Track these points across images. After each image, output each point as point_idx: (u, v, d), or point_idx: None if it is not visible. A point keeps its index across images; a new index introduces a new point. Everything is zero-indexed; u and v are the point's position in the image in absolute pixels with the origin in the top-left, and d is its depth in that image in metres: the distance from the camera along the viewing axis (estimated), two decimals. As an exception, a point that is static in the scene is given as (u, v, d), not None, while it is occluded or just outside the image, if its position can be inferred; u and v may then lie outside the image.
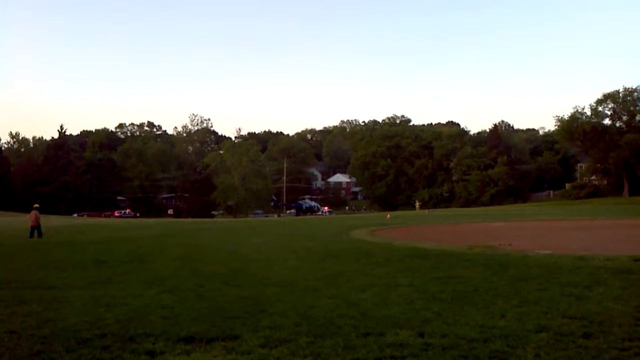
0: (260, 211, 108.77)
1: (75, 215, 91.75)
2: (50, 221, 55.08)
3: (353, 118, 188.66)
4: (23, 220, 56.32)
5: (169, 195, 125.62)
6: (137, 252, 18.53)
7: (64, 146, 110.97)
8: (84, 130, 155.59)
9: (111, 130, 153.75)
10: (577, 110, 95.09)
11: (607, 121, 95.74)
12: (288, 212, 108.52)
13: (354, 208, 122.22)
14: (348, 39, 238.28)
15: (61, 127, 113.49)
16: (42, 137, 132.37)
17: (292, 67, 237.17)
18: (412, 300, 8.95)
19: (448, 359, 5.84)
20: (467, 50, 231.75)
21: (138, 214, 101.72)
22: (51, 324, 7.75)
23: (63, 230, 35.51)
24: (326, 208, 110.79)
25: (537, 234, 25.11)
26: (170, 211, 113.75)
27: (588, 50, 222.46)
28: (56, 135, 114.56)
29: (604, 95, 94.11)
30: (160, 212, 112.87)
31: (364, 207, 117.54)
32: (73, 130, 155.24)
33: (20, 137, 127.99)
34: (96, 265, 15.03)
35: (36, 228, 28.38)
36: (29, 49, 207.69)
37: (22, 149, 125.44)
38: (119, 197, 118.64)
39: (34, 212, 29.00)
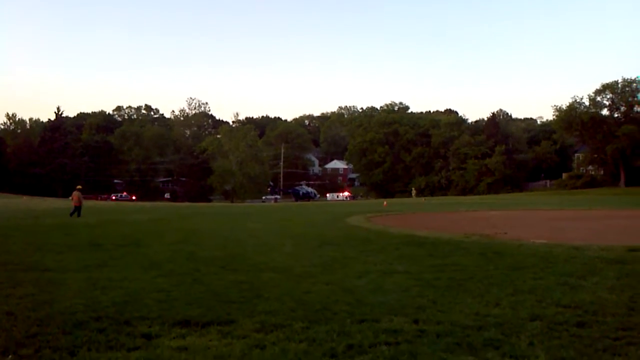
0: (278, 196, 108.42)
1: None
2: (46, 203, 55.02)
3: (351, 104, 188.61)
4: (19, 202, 56.31)
5: (166, 179, 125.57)
6: (134, 236, 18.53)
7: (61, 128, 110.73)
8: (81, 113, 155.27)
9: (108, 113, 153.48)
10: (575, 100, 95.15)
11: (605, 112, 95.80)
12: (265, 197, 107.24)
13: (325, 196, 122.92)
14: (347, 25, 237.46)
15: (58, 109, 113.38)
16: (38, 119, 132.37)
17: (290, 53, 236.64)
18: (408, 288, 8.98)
19: (442, 346, 5.87)
20: (467, 38, 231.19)
21: (134, 197, 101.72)
22: (47, 306, 7.76)
23: (59, 213, 35.45)
24: (347, 193, 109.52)
25: (533, 223, 25.18)
26: (167, 195, 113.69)
27: (587, 41, 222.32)
28: (53, 117, 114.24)
29: (603, 86, 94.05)
30: (157, 195, 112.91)
31: (361, 194, 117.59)
32: (70, 112, 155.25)
33: (17, 119, 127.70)
34: (92, 248, 15.03)
35: (78, 208, 29.92)
36: (26, 31, 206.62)
37: (19, 131, 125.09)
38: (115, 180, 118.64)
39: (75, 193, 30.74)
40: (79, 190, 31.30)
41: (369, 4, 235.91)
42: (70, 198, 33.30)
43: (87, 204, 34.65)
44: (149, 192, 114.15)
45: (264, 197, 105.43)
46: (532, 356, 5.55)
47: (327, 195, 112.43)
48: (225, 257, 12.96)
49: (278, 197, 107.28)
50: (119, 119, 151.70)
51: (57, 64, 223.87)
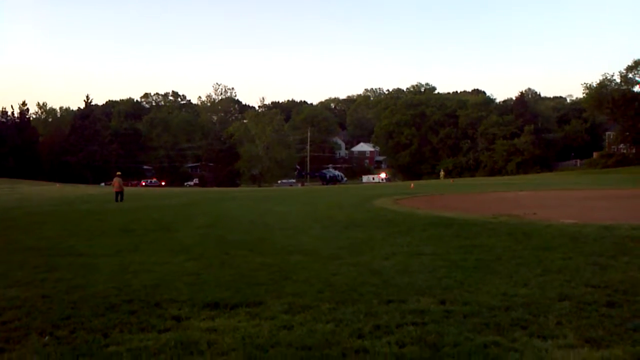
0: (293, 180, 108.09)
1: (103, 184, 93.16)
2: (79, 190, 56.02)
3: (377, 86, 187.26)
4: (52, 190, 57.41)
5: (194, 164, 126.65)
6: (164, 221, 18.81)
7: (90, 116, 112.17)
8: (109, 100, 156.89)
9: (136, 100, 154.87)
10: (606, 78, 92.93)
11: (637, 88, 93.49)
12: (281, 182, 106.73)
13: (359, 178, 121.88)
14: (372, 7, 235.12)
15: (87, 97, 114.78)
16: (69, 108, 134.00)
17: (315, 36, 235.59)
18: (435, 269, 8.99)
19: (469, 326, 5.88)
20: (494, 17, 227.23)
21: (164, 183, 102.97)
22: (80, 289, 7.97)
23: (91, 199, 36.08)
24: (383, 175, 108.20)
25: (562, 203, 24.85)
26: (195, 180, 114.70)
27: (618, 16, 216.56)
28: (82, 106, 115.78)
29: (635, 62, 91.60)
30: (185, 181, 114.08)
31: (388, 176, 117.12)
32: (99, 100, 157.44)
33: (48, 108, 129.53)
34: (123, 233, 15.31)
35: (120, 193, 31.68)
36: (55, 21, 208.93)
37: (50, 119, 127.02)
38: (144, 167, 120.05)
39: (116, 179, 32.43)
40: (119, 176, 32.78)
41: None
42: (111, 184, 34.87)
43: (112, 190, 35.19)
44: (177, 178, 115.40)
45: (278, 181, 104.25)
46: (560, 336, 5.53)
47: (363, 177, 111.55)
48: (254, 241, 13.09)
49: (293, 181, 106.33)
50: (147, 105, 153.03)
51: (85, 52, 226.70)
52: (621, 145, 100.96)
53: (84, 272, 9.43)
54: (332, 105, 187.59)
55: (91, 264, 10.30)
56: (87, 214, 23.20)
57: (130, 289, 7.93)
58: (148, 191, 57.04)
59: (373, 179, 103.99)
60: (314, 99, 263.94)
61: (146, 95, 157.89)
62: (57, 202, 32.89)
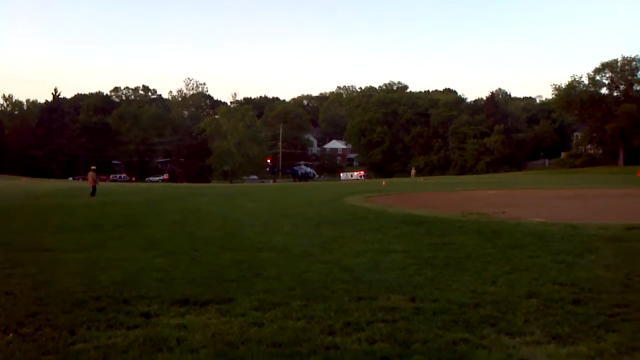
0: (254, 176, 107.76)
1: (71, 179, 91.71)
2: (45, 185, 55.04)
3: (350, 84, 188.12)
4: (17, 184, 56.30)
5: (164, 159, 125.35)
6: (133, 216, 18.60)
7: (58, 109, 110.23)
8: (78, 94, 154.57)
9: (106, 94, 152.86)
10: (574, 79, 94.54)
11: (604, 90, 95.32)
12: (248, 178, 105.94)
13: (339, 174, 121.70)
14: (345, 4, 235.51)
15: (55, 90, 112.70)
16: (36, 100, 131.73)
17: (288, 32, 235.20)
18: (405, 266, 9.04)
19: (439, 323, 5.93)
20: (465, 17, 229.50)
21: (134, 178, 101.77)
22: (47, 286, 7.82)
23: (58, 194, 35.48)
24: (362, 172, 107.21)
25: (531, 202, 25.22)
26: (164, 175, 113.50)
27: (587, 19, 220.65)
28: (50, 99, 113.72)
29: (602, 64, 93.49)
30: (152, 175, 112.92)
31: (367, 174, 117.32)
32: (67, 93, 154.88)
33: (14, 100, 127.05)
34: (91, 228, 15.09)
35: (93, 188, 31.58)
36: (23, 10, 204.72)
37: (16, 112, 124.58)
38: (114, 161, 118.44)
39: (90, 173, 32.57)
40: (93, 170, 32.82)
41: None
42: (87, 179, 34.81)
43: (84, 185, 34.69)
44: (147, 173, 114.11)
45: (244, 178, 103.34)
46: (527, 333, 5.61)
47: (341, 174, 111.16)
48: (224, 237, 13.02)
49: (254, 177, 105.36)
50: (117, 100, 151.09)
51: (54, 44, 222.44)
52: (588, 146, 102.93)
53: (51, 268, 9.26)
54: (305, 102, 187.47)
55: (58, 259, 10.12)
56: (54, 208, 22.81)
57: (98, 285, 7.81)
58: (117, 186, 56.32)
59: (352, 176, 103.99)
60: (287, 95, 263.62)
61: (116, 89, 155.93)
62: (23, 197, 32.28)
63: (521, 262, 9.19)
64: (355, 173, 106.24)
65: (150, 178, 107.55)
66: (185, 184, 72.75)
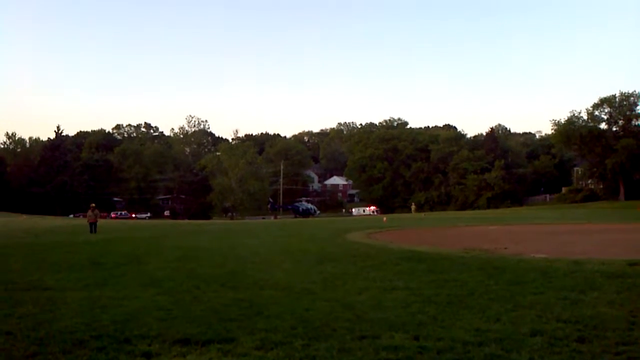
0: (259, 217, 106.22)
1: (72, 216, 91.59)
2: (46, 222, 54.97)
3: (350, 120, 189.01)
4: (17, 222, 56.24)
5: (166, 196, 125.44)
6: (134, 254, 18.52)
7: (61, 147, 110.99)
8: (80, 131, 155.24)
9: (108, 132, 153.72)
10: (573, 115, 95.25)
11: (603, 125, 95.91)
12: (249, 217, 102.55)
13: (350, 210, 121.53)
14: (345, 42, 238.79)
15: (58, 127, 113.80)
16: (38, 138, 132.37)
17: (289, 70, 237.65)
18: (408, 304, 8.97)
19: (443, 362, 5.86)
20: (464, 54, 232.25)
21: (134, 215, 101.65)
22: (47, 325, 7.76)
23: (59, 231, 35.43)
24: (373, 207, 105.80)
25: (533, 237, 25.15)
26: (166, 212, 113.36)
27: (585, 55, 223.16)
28: (53, 136, 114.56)
29: (601, 100, 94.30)
30: (156, 213, 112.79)
31: (378, 209, 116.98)
32: (70, 131, 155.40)
33: (17, 138, 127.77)
34: (92, 266, 15.02)
35: (93, 224, 32.19)
36: (27, 49, 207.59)
37: (19, 149, 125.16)
38: (115, 198, 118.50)
39: (89, 211, 33.22)
40: (92, 208, 33.36)
41: (367, 21, 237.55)
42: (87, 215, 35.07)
43: (85, 222, 34.72)
44: (149, 210, 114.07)
45: (246, 218, 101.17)
46: (532, 372, 5.54)
47: (353, 210, 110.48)
48: (225, 275, 12.94)
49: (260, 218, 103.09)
50: (119, 137, 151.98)
51: (56, 82, 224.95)
52: (589, 181, 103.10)
53: (51, 306, 9.19)
54: (306, 138, 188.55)
55: (58, 298, 10.05)
56: (55, 246, 22.76)
57: (99, 324, 7.75)
58: (118, 223, 56.26)
59: (364, 211, 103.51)
60: (288, 132, 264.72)
61: (118, 127, 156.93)
62: (24, 234, 32.23)
63: (524, 299, 9.12)
64: (367, 208, 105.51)
65: (140, 215, 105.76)
66: (185, 221, 72.63)
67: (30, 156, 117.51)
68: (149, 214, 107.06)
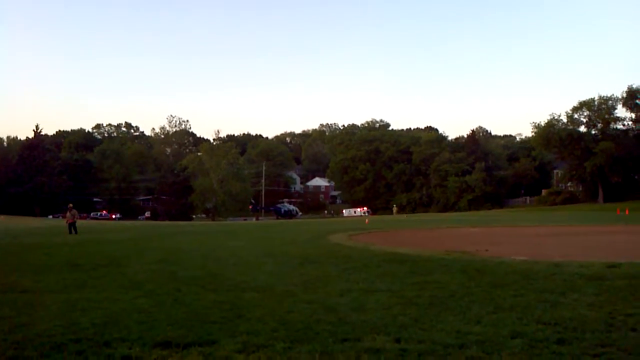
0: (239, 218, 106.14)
1: (51, 217, 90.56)
2: (25, 222, 54.29)
3: (332, 122, 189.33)
4: (-4, 222, 55.45)
5: (146, 197, 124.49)
6: (113, 255, 18.34)
7: (39, 146, 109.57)
8: (60, 131, 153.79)
9: (88, 131, 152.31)
10: (553, 118, 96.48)
11: (582, 128, 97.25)
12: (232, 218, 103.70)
13: (332, 212, 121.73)
14: (328, 43, 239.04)
15: (36, 126, 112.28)
16: (16, 137, 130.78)
17: (271, 70, 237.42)
18: (390, 306, 8.98)
19: (424, 365, 5.87)
20: (446, 57, 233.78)
21: (114, 216, 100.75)
22: (24, 328, 7.63)
23: (37, 232, 35.00)
24: (365, 208, 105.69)
25: (513, 240, 25.36)
26: (147, 213, 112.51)
27: (565, 59, 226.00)
28: (31, 135, 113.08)
29: (580, 103, 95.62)
30: (137, 214, 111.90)
31: (369, 210, 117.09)
32: (49, 130, 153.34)
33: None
34: (71, 268, 14.84)
35: (72, 225, 31.96)
36: (4, 47, 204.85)
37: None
38: (95, 199, 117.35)
39: (67, 212, 33.16)
40: (70, 209, 33.04)
41: (349, 22, 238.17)
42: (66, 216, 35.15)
43: (64, 223, 34.35)
44: (129, 211, 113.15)
45: (228, 219, 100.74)
46: (513, 374, 5.57)
47: (344, 211, 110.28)
48: (206, 277, 12.86)
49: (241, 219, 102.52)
50: (99, 137, 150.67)
51: (35, 81, 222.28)
52: (569, 184, 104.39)
53: (28, 309, 9.06)
54: (288, 139, 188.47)
55: (36, 300, 9.91)
56: (33, 247, 22.46)
57: (78, 327, 7.64)
58: (98, 224, 55.72)
59: (355, 212, 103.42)
60: (270, 132, 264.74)
61: (98, 126, 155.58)
62: (1, 235, 31.79)
63: (505, 301, 9.17)
64: (359, 209, 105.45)
65: (147, 214, 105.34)
66: (166, 222, 72.15)
67: (8, 156, 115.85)
68: (119, 215, 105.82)
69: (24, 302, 9.77)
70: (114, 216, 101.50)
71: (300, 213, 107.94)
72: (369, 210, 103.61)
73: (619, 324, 7.48)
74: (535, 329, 7.30)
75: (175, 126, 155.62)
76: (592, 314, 8.16)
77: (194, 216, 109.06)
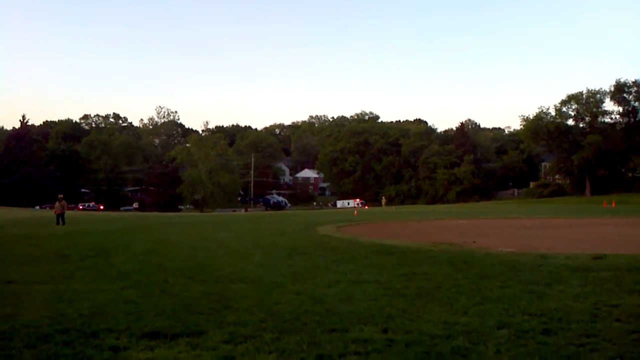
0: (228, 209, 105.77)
1: (38, 207, 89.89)
2: (11, 213, 53.89)
3: (322, 113, 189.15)
4: (-17, 212, 55.00)
5: (134, 188, 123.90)
6: (101, 246, 18.27)
7: (26, 137, 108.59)
8: (47, 121, 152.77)
9: (75, 122, 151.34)
10: (542, 110, 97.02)
11: (570, 122, 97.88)
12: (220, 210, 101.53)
13: (321, 204, 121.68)
14: (317, 35, 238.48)
15: (23, 117, 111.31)
16: (2, 127, 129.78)
17: (260, 62, 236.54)
18: (377, 297, 9.02)
19: (411, 355, 5.91)
20: (435, 48, 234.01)
21: (102, 207, 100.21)
22: (11, 319, 7.60)
23: (24, 223, 34.77)
24: (359, 200, 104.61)
25: (501, 232, 25.51)
26: (135, 204, 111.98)
27: (554, 52, 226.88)
28: (18, 125, 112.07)
29: (568, 97, 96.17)
30: (125, 205, 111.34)
31: (331, 203, 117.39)
32: (36, 120, 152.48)
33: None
34: (58, 259, 14.78)
35: (60, 216, 31.85)
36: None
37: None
38: (83, 190, 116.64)
39: (57, 202, 32.88)
40: (60, 199, 32.96)
41: (339, 15, 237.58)
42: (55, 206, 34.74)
43: (53, 213, 34.12)
44: (117, 202, 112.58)
45: (217, 210, 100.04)
46: (499, 364, 5.62)
47: (337, 202, 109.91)
48: (194, 268, 12.86)
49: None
50: (87, 127, 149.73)
51: (22, 70, 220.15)
52: (556, 176, 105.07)
53: (15, 300, 9.02)
54: (277, 130, 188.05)
55: (23, 291, 9.87)
56: (19, 238, 22.31)
57: (65, 318, 7.62)
58: (86, 215, 55.42)
59: (348, 204, 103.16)
60: (259, 124, 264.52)
61: (86, 117, 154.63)
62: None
63: (492, 293, 9.24)
64: (352, 201, 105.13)
65: (135, 205, 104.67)
66: (154, 213, 71.88)
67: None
68: (93, 203, 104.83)
69: (10, 293, 9.73)
70: (101, 207, 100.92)
71: (289, 205, 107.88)
72: (362, 201, 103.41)
73: (603, 315, 7.57)
74: (521, 319, 7.36)
75: (164, 117, 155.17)
76: (577, 305, 8.24)
77: (181, 207, 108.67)
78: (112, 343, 6.43)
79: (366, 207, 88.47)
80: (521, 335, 6.63)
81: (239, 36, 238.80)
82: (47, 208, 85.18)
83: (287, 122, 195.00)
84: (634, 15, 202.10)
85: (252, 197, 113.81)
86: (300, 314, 7.82)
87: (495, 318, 7.44)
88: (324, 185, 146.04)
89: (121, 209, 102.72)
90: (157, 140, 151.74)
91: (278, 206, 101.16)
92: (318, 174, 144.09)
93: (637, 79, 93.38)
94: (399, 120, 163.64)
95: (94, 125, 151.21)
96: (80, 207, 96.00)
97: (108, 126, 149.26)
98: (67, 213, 34.72)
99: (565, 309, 7.94)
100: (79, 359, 5.88)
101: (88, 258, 14.94)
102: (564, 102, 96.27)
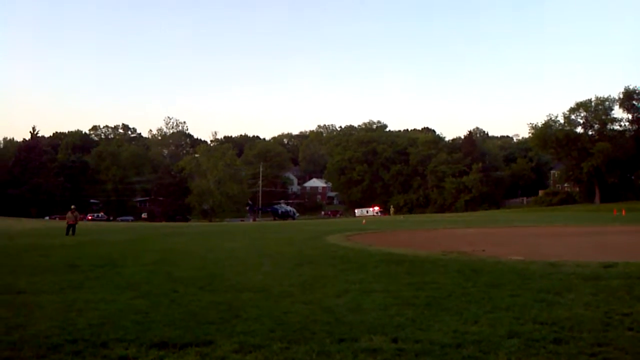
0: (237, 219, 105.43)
1: (47, 218, 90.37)
2: (21, 224, 54.17)
3: (330, 123, 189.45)
4: (-7, 223, 55.29)
5: (143, 198, 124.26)
6: (110, 256, 18.31)
7: (36, 148, 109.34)
8: (57, 132, 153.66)
9: (85, 133, 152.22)
10: (550, 118, 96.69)
11: (579, 129, 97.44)
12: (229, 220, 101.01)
13: (341, 213, 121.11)
14: (325, 44, 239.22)
15: (33, 128, 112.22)
16: (13, 139, 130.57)
17: (268, 72, 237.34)
18: (387, 306, 8.98)
19: (421, 365, 5.87)
20: (443, 57, 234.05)
21: (111, 218, 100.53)
22: (21, 329, 7.61)
23: (34, 234, 34.92)
24: (377, 208, 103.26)
25: (510, 240, 25.38)
26: (143, 214, 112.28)
27: (562, 60, 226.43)
28: (28, 137, 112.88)
29: (577, 104, 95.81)
30: (133, 215, 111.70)
31: (340, 212, 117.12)
32: (46, 131, 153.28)
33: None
34: (68, 269, 14.81)
35: (72, 226, 31.80)
36: (1, 49, 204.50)
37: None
38: (92, 200, 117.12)
39: (69, 213, 32.85)
40: (72, 210, 32.97)
41: (346, 23, 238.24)
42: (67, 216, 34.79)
43: (62, 224, 34.25)
44: (126, 212, 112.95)
45: (225, 220, 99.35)
46: (510, 373, 5.57)
47: (356, 210, 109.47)
48: (203, 277, 12.85)
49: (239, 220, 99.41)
50: (96, 138, 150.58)
51: (33, 83, 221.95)
52: (565, 184, 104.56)
53: (25, 310, 9.03)
54: (285, 140, 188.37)
55: (32, 301, 9.89)
56: (29, 248, 22.41)
57: (75, 328, 7.63)
58: (95, 225, 55.62)
59: (367, 212, 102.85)
60: (267, 134, 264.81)
61: (95, 128, 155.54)
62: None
63: (502, 301, 9.18)
64: (371, 209, 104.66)
65: (143, 215, 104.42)
66: (162, 223, 72.02)
67: (5, 157, 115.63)
68: (102, 213, 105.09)
69: (20, 303, 9.75)
70: (110, 218, 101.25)
71: (297, 214, 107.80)
72: (381, 210, 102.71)
73: (615, 324, 7.50)
74: (532, 328, 7.30)
75: (173, 128, 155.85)
76: (588, 313, 8.17)
77: (189, 217, 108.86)
78: (122, 353, 6.42)
79: (385, 215, 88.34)
80: (532, 344, 6.57)
81: (246, 46, 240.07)
82: (57, 219, 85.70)
83: (295, 132, 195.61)
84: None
85: (260, 206, 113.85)
86: (309, 323, 7.79)
87: (505, 327, 7.38)
88: (332, 194, 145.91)
89: (118, 218, 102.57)
90: (165, 151, 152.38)
91: (286, 216, 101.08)
92: (326, 183, 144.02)
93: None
94: (407, 129, 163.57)
95: (103, 137, 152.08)
96: (90, 218, 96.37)
97: (117, 137, 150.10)
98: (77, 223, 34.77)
99: (576, 317, 7.88)
100: (89, 369, 5.87)
101: (97, 268, 14.96)
102: (572, 110, 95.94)
